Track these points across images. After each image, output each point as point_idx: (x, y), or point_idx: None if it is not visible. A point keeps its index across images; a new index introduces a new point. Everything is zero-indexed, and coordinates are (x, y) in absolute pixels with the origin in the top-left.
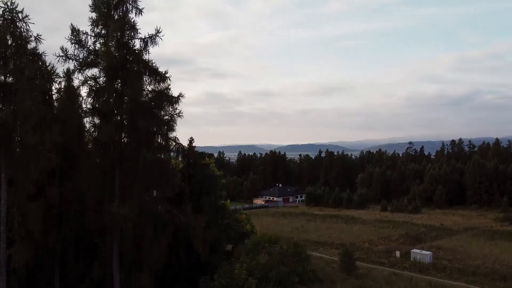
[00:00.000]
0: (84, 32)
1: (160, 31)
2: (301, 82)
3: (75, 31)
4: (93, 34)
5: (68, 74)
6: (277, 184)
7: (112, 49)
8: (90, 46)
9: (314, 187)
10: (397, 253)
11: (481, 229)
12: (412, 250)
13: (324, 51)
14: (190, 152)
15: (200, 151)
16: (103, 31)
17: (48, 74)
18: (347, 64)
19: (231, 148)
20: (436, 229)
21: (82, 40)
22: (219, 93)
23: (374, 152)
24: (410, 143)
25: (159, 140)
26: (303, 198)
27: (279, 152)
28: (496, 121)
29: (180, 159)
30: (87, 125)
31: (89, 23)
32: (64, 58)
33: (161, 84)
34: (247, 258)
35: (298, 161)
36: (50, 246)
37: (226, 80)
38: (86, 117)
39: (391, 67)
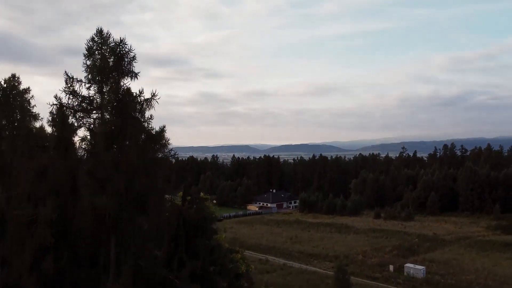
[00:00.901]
0: (78, 79)
1: (155, 94)
2: (296, 82)
3: (69, 81)
4: (87, 81)
5: (63, 116)
6: (271, 190)
7: (107, 116)
8: (84, 94)
9: (307, 192)
10: (391, 267)
11: (473, 239)
12: (406, 265)
13: (319, 52)
14: (186, 211)
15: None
16: (97, 78)
17: (43, 148)
18: (342, 65)
19: (225, 148)
20: (429, 239)
21: (76, 90)
22: (214, 93)
23: (368, 154)
24: (403, 148)
25: (155, 203)
26: (297, 203)
27: (273, 155)
28: (489, 121)
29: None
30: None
31: (83, 69)
32: (58, 106)
33: (159, 147)
34: None
35: (292, 163)
36: None
37: (221, 80)
38: (81, 166)
39: (385, 68)
